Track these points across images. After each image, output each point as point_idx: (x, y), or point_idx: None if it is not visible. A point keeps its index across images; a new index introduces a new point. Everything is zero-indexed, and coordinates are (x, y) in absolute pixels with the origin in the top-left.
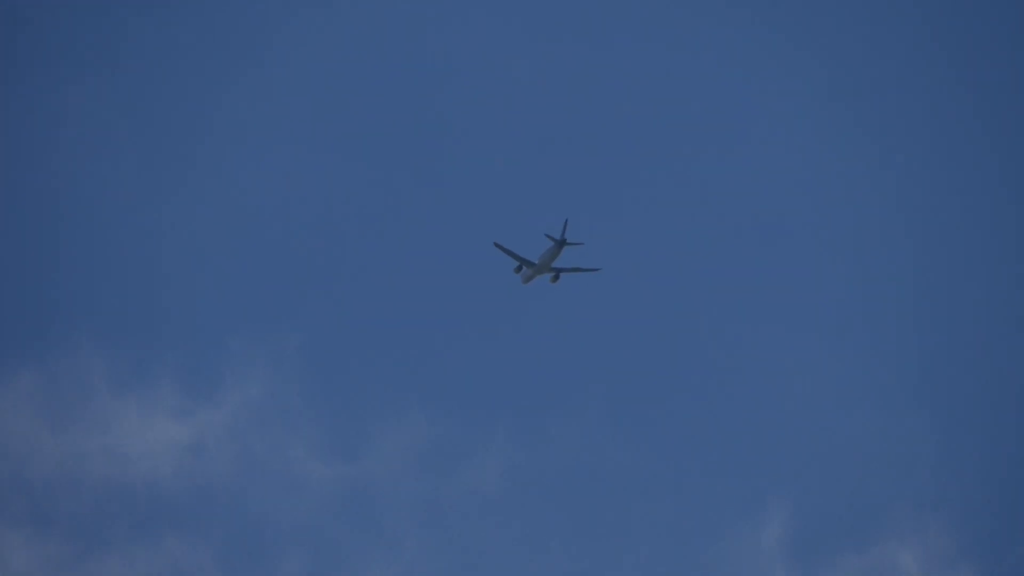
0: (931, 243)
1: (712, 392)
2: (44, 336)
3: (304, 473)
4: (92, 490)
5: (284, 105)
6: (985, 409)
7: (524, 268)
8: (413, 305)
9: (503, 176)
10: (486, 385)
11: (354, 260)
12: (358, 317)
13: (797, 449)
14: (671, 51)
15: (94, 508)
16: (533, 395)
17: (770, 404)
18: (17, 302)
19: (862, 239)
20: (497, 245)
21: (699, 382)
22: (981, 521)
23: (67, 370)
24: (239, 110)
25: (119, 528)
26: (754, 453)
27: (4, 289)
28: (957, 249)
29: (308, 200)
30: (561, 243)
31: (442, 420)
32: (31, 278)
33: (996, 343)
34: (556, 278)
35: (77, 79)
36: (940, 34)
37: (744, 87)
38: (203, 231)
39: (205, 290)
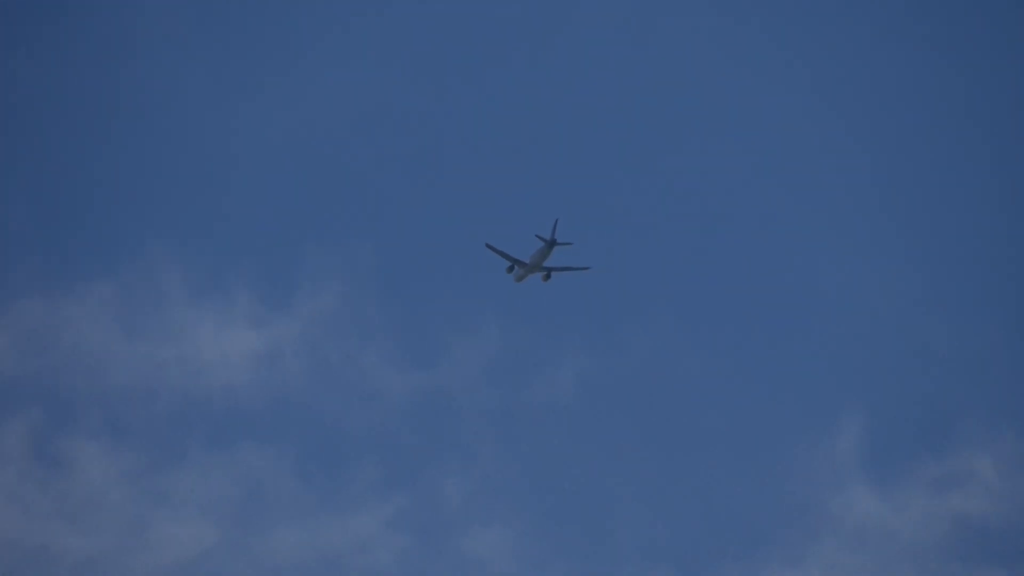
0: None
1: (786, 302)
2: (119, 246)
3: (379, 382)
4: (168, 400)
5: (364, 21)
6: None
7: (516, 268)
8: (488, 215)
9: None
10: (560, 293)
11: (429, 170)
12: (433, 226)
13: (872, 357)
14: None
15: (170, 418)
16: (606, 303)
17: (843, 314)
18: (91, 211)
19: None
20: (489, 246)
21: (774, 293)
22: None
23: (142, 279)
24: (319, 15)
25: (195, 438)
26: (829, 362)
27: (78, 198)
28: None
29: (387, 111)
30: (551, 243)
31: (516, 328)
32: (106, 186)
33: None
34: (547, 277)
35: None
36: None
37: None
38: (279, 138)
39: (280, 199)
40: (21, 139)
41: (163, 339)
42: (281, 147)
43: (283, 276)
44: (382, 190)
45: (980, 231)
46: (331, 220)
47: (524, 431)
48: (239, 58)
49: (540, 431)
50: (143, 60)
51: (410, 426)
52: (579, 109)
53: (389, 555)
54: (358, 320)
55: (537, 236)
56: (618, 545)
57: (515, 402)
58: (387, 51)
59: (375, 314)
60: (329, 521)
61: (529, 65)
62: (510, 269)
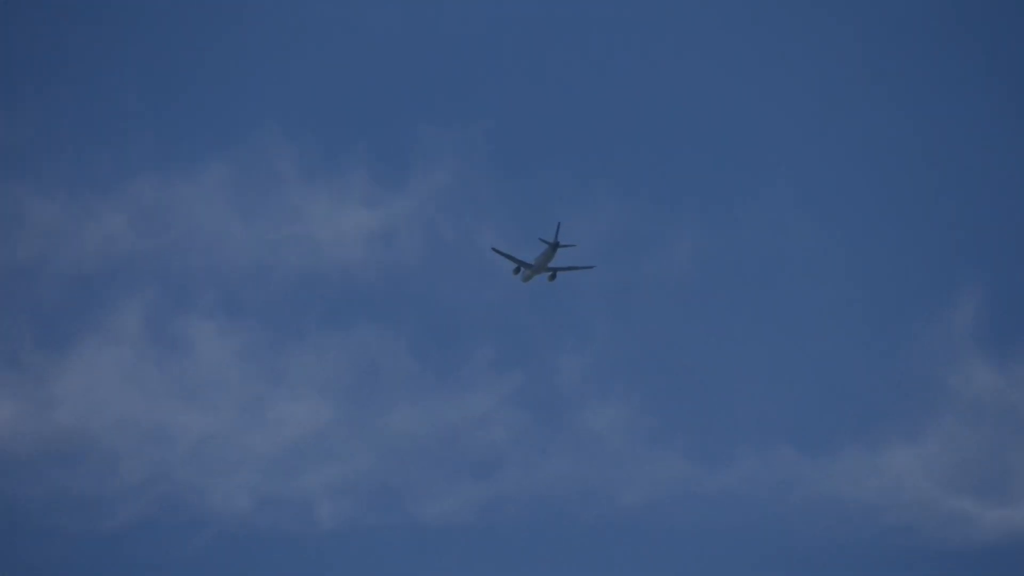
0: None
1: (898, 178)
2: (235, 125)
3: (492, 259)
4: (283, 278)
5: None
6: None
7: (522, 269)
8: (602, 94)
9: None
10: (674, 169)
11: (540, 53)
12: (548, 104)
13: (988, 232)
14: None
15: (286, 296)
16: (720, 178)
17: (960, 191)
18: (207, 91)
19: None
20: (495, 250)
21: (882, 170)
22: None
23: (257, 159)
24: None
25: (311, 316)
26: (944, 238)
27: (194, 78)
28: None
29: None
30: (555, 246)
31: (631, 204)
32: (220, 66)
33: None
34: (553, 277)
35: None
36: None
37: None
38: (394, 22)
39: (394, 78)
40: (135, 18)
41: (278, 218)
42: (396, 28)
43: (397, 154)
44: (496, 68)
45: None
46: (445, 98)
47: (640, 307)
48: None
49: (656, 307)
50: None
51: (525, 303)
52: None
53: (505, 432)
54: (472, 198)
55: (541, 239)
56: (736, 421)
57: (632, 278)
58: None
59: (489, 192)
60: (445, 399)
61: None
62: (516, 271)
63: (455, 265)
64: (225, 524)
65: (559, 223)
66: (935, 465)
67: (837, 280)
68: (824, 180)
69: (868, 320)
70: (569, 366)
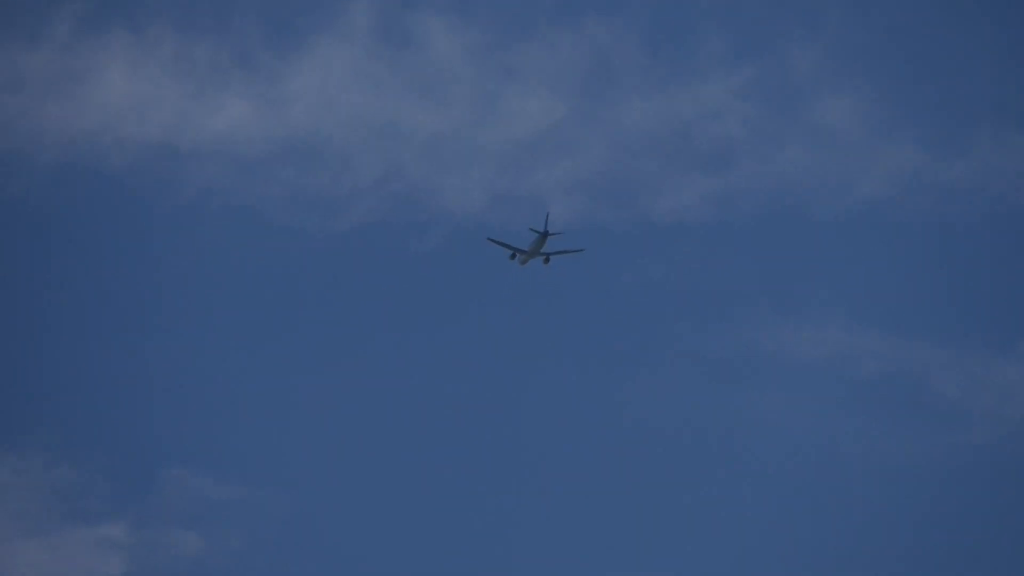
0: None
1: None
2: None
3: None
4: None
5: None
6: None
7: (517, 255)
8: None
9: None
10: None
11: None
12: None
13: None
14: None
15: None
16: None
17: None
18: None
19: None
20: (491, 240)
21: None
22: None
23: None
24: None
25: (541, 10)
26: None
27: None
28: None
29: None
30: (544, 234)
31: None
32: None
33: None
34: (547, 260)
35: None
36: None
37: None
38: None
39: None
40: None
41: None
42: None
43: None
44: None
45: None
46: None
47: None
48: None
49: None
50: None
51: None
52: None
53: (737, 124)
54: None
55: (531, 229)
56: (974, 107)
57: None
58: None
59: None
60: (677, 92)
61: None
62: (512, 256)
63: None
64: (458, 222)
65: (548, 213)
66: None
67: None
68: None
69: None
70: (802, 57)
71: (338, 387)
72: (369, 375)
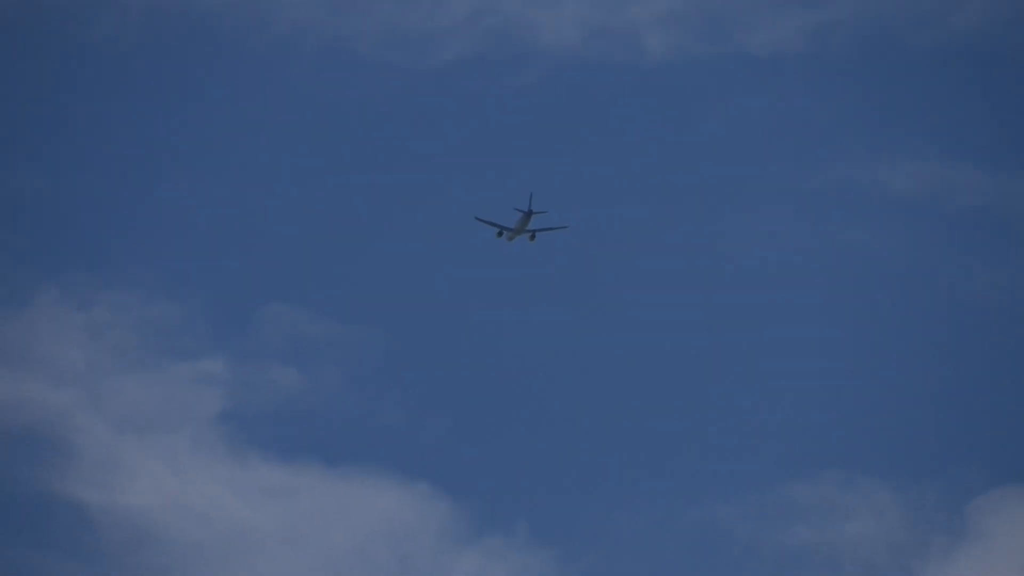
0: None
1: None
2: None
3: None
4: None
5: None
6: None
7: (504, 233)
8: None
9: None
10: None
11: None
12: None
13: None
14: None
15: None
16: None
17: None
18: None
19: None
20: (479, 219)
21: None
22: None
23: None
24: None
25: None
26: None
27: None
28: None
29: None
30: (529, 213)
31: None
32: None
33: None
34: (532, 237)
35: None
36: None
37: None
38: None
39: None
40: None
41: None
42: None
43: None
44: None
45: None
46: None
47: None
48: None
49: None
50: None
51: None
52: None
53: None
54: None
55: (516, 208)
56: None
57: None
58: None
59: None
60: None
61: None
62: (499, 234)
63: None
64: (553, 57)
65: (531, 193)
66: None
67: None
68: None
69: None
70: None
71: (435, 223)
72: (465, 212)
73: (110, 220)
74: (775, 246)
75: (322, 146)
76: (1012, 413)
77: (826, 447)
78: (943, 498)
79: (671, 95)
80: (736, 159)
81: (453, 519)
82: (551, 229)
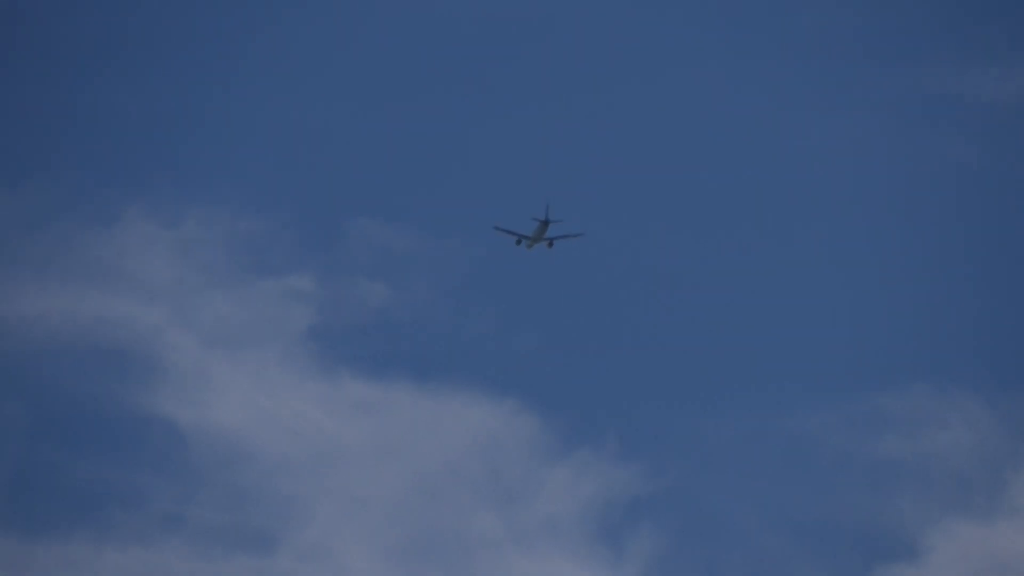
0: None
1: None
2: None
3: None
4: None
5: None
6: None
7: (523, 241)
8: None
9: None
10: None
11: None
12: None
13: None
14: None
15: None
16: None
17: None
18: None
19: None
20: (498, 228)
21: None
22: None
23: None
24: None
25: None
26: None
27: None
28: None
29: None
30: (545, 222)
31: None
32: None
33: None
34: (550, 244)
35: None
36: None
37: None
38: None
39: None
40: None
41: None
42: None
43: None
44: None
45: None
46: None
47: None
48: None
49: None
50: None
51: None
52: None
53: None
54: None
55: (533, 218)
56: None
57: None
58: None
59: None
60: None
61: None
62: (518, 242)
63: None
64: None
65: (548, 204)
66: None
67: None
68: None
69: None
70: None
71: (524, 138)
72: (551, 130)
73: (198, 136)
74: (868, 157)
75: (412, 62)
76: None
77: (919, 357)
78: None
79: None
80: (829, 66)
81: (543, 433)
82: (567, 237)
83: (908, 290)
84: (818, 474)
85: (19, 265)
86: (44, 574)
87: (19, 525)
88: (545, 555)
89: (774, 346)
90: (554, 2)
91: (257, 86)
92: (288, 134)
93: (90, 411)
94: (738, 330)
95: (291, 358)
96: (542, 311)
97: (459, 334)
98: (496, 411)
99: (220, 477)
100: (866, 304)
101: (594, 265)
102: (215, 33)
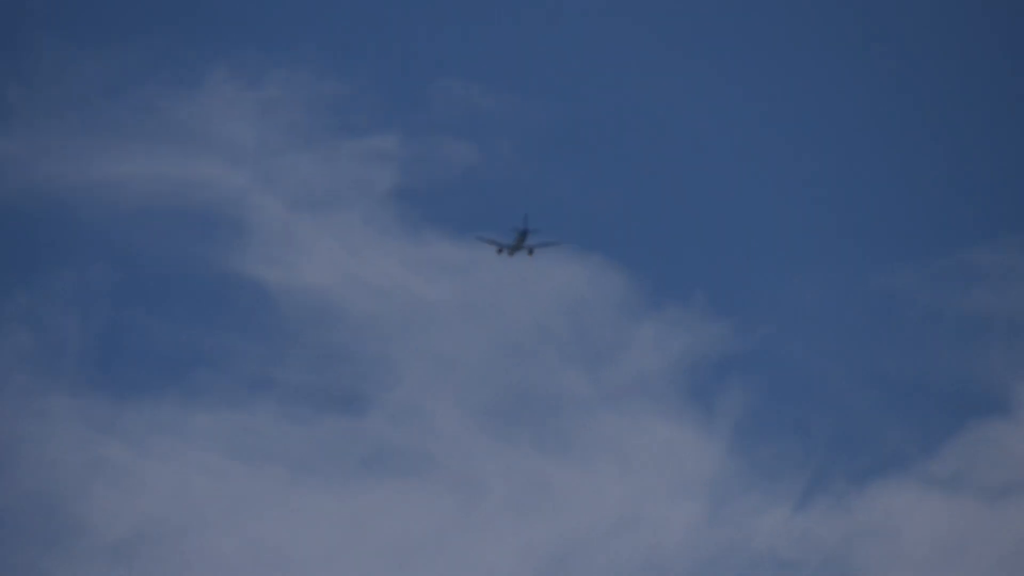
0: None
1: None
2: None
3: None
4: None
5: None
6: None
7: (504, 250)
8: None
9: None
10: None
11: None
12: None
13: None
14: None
15: None
16: None
17: None
18: None
19: None
20: (479, 238)
21: None
22: None
23: None
24: None
25: None
26: None
27: None
28: None
29: None
30: (524, 232)
31: None
32: None
33: None
34: (531, 252)
35: None
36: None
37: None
38: None
39: None
40: None
41: None
42: None
43: None
44: None
45: None
46: None
47: None
48: None
49: None
50: None
51: None
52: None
53: None
54: None
55: (512, 228)
56: None
57: None
58: None
59: None
60: None
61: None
62: (499, 251)
63: None
64: None
65: (526, 214)
66: None
67: None
68: None
69: None
70: None
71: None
72: None
73: None
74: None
75: None
76: None
77: (1009, 209)
78: None
79: None
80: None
81: (630, 290)
82: (549, 244)
83: (992, 143)
84: (907, 330)
85: (103, 129)
86: (134, 437)
87: (109, 388)
88: (633, 413)
89: (863, 200)
90: None
91: None
92: None
93: (177, 274)
94: (825, 186)
95: (376, 219)
96: (628, 167)
97: (544, 192)
98: (582, 269)
99: (308, 337)
100: (952, 158)
101: (675, 121)
102: None
